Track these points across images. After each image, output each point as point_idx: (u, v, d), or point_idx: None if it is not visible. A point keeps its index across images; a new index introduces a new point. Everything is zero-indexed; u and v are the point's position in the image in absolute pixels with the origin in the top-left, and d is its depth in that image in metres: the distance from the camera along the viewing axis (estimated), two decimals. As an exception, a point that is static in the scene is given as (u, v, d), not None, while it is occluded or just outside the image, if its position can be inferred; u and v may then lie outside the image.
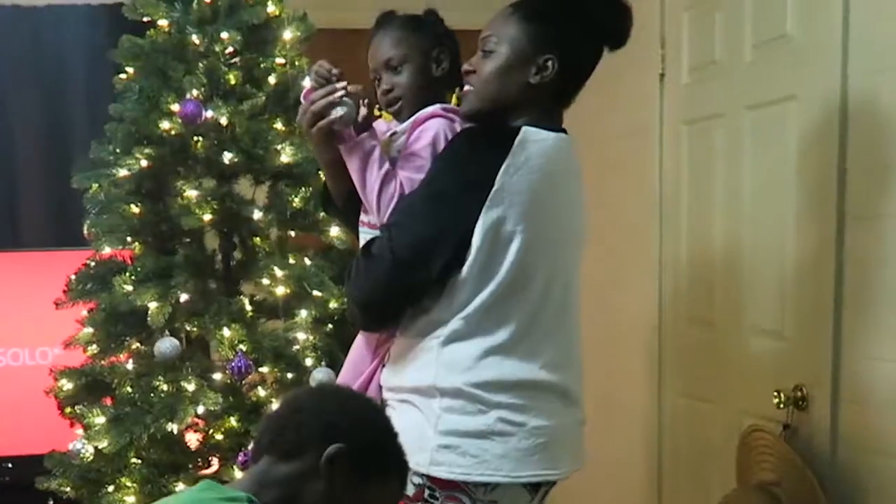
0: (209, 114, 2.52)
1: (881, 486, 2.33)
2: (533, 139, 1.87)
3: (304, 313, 2.54)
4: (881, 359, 2.35)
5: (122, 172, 2.66)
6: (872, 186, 2.40)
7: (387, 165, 1.98)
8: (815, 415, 2.52)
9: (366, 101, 2.03)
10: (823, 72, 2.51)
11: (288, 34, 2.69)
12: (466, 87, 1.99)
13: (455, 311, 1.90)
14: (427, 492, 1.90)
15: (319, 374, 2.48)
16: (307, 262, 2.57)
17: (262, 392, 2.53)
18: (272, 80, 2.67)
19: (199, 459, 2.56)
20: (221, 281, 2.64)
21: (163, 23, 2.64)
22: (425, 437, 1.90)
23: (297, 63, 2.68)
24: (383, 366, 2.10)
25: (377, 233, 2.00)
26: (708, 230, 3.10)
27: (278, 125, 2.62)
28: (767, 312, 2.80)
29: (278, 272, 2.52)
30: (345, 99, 1.95)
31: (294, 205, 2.58)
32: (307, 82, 2.14)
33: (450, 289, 1.90)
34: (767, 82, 2.77)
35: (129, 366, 2.62)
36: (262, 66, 2.69)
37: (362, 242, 2.09)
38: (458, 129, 2.03)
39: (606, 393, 3.36)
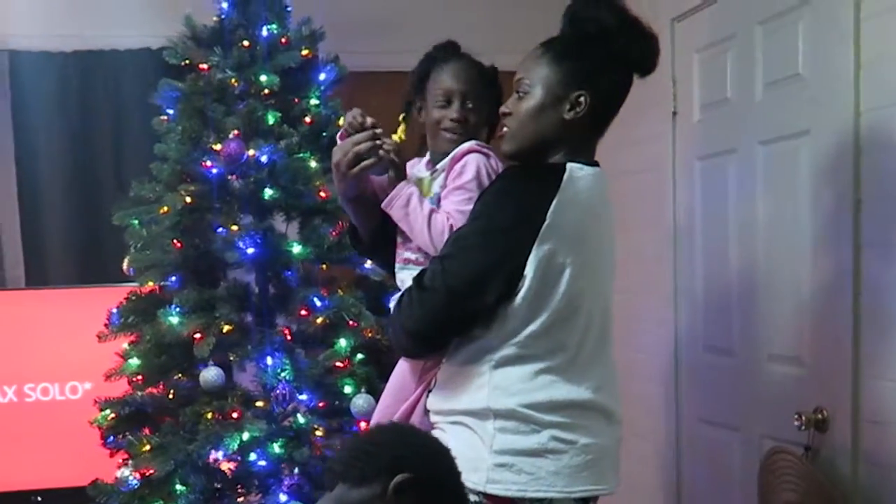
0: (250, 152, 2.62)
1: (904, 503, 2.42)
2: (578, 176, 1.97)
3: (342, 342, 2.63)
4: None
5: (163, 209, 2.76)
6: (888, 216, 2.51)
7: (428, 206, 2.09)
8: (836, 436, 2.61)
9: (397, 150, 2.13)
10: (836, 108, 2.63)
11: (322, 76, 2.80)
12: (504, 129, 2.08)
13: (506, 337, 1.99)
14: (485, 510, 1.98)
15: (360, 401, 2.56)
16: (340, 293, 2.66)
17: (301, 419, 2.60)
18: (307, 119, 2.77)
19: (239, 486, 2.62)
20: (258, 313, 2.72)
21: (203, 66, 2.75)
22: (480, 457, 1.98)
23: (330, 104, 2.79)
24: (429, 391, 2.18)
25: (417, 268, 2.11)
26: (723, 261, 3.21)
27: (312, 163, 2.73)
28: (785, 339, 2.90)
29: (317, 303, 2.61)
30: (384, 147, 2.07)
31: (330, 239, 2.67)
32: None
33: (501, 317, 1.98)
34: (780, 119, 2.89)
35: (170, 395, 2.69)
36: (297, 106, 2.79)
37: (401, 277, 2.19)
38: (494, 164, 2.14)
39: (626, 420, 3.43)
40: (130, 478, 2.56)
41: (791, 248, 2.87)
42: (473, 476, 1.94)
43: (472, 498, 1.95)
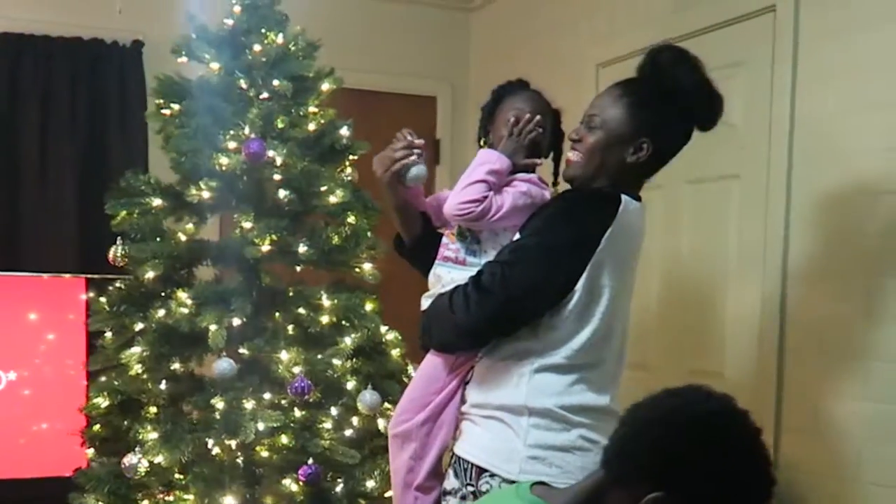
0: (270, 153, 2.73)
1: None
2: (630, 209, 2.20)
3: (347, 341, 2.77)
4: (822, 395, 2.90)
5: (157, 202, 2.81)
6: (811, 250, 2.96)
7: (482, 176, 2.25)
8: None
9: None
10: (768, 156, 3.07)
11: (325, 86, 2.95)
12: (570, 154, 2.29)
13: (553, 346, 2.19)
14: (515, 498, 2.20)
15: (368, 396, 2.71)
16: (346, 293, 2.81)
17: (311, 411, 2.71)
18: (311, 126, 2.91)
19: (245, 475, 2.69)
20: (268, 308, 2.81)
21: (214, 66, 2.82)
22: (514, 448, 2.19)
23: (327, 112, 2.95)
24: (465, 384, 2.38)
25: (458, 266, 2.32)
26: (646, 287, 3.57)
27: (320, 167, 2.86)
28: (708, 356, 3.30)
29: (326, 302, 2.74)
30: (420, 159, 2.28)
31: (333, 242, 2.81)
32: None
33: (548, 326, 2.19)
34: (708, 161, 3.28)
35: (163, 385, 2.73)
36: (301, 113, 2.91)
37: (445, 276, 2.38)
38: (547, 195, 2.33)
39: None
40: (139, 465, 2.56)
41: (713, 277, 3.28)
42: (507, 466, 2.17)
43: (505, 487, 2.16)
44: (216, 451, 2.62)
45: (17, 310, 3.59)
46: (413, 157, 2.31)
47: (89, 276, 3.57)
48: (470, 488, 2.25)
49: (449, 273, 2.35)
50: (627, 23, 3.80)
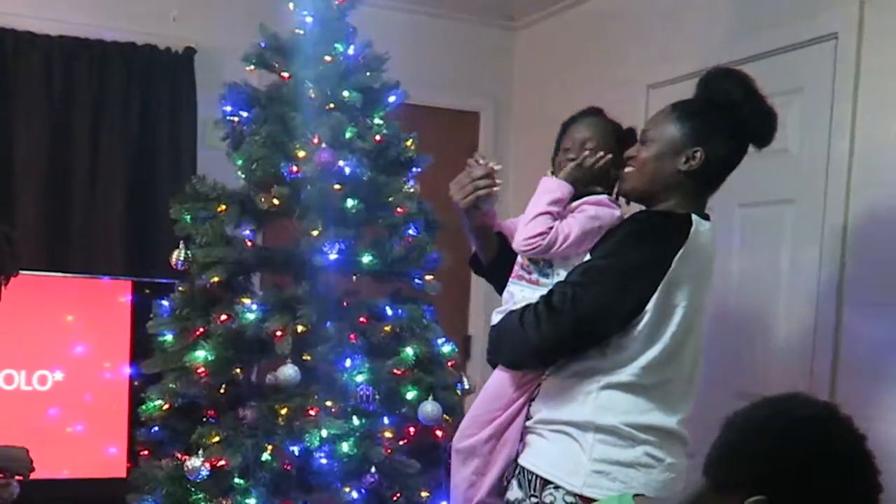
0: (340, 162, 2.75)
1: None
2: (701, 230, 2.22)
3: (409, 350, 2.78)
4: (872, 419, 2.91)
5: (221, 207, 2.83)
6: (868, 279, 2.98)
7: (544, 208, 2.29)
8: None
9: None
10: (825, 183, 3.09)
11: (392, 98, 2.98)
12: (627, 169, 2.34)
13: (621, 364, 2.22)
14: (578, 509, 2.21)
15: (429, 407, 2.73)
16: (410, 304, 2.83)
17: (373, 420, 2.72)
18: (377, 137, 2.93)
19: (305, 482, 2.70)
20: (333, 317, 2.82)
21: (285, 74, 2.85)
22: (580, 462, 2.21)
23: (392, 124, 2.98)
24: (531, 400, 2.39)
25: (531, 286, 2.34)
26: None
27: (386, 179, 2.89)
28: (756, 379, 3.31)
29: (388, 311, 2.76)
30: (497, 182, 2.32)
31: (397, 253, 2.83)
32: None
33: (616, 346, 2.22)
34: (762, 186, 3.30)
35: (221, 390, 2.74)
36: (362, 124, 2.94)
37: (518, 294, 2.40)
38: (618, 216, 2.35)
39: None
40: (202, 468, 2.57)
41: (765, 301, 3.29)
42: (571, 479, 2.20)
43: (569, 499, 2.20)
44: (277, 456, 2.61)
45: (63, 310, 3.60)
46: (497, 187, 2.34)
47: (136, 279, 3.59)
48: (534, 499, 2.28)
49: (522, 291, 2.38)
50: (681, 47, 3.82)
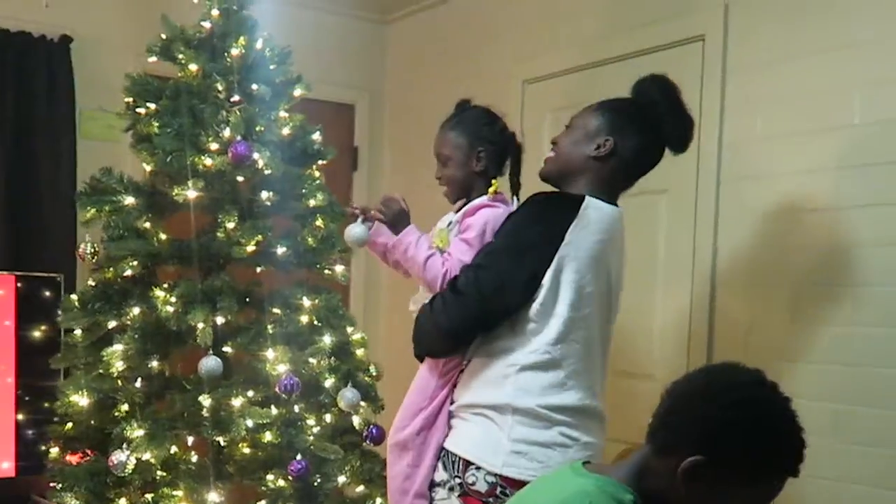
0: (255, 155, 2.78)
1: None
2: (594, 207, 2.37)
3: (326, 340, 2.84)
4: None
5: (129, 200, 2.81)
6: (741, 262, 3.27)
7: (425, 253, 2.48)
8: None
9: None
10: (696, 174, 3.36)
11: (297, 91, 3.02)
12: (549, 154, 2.50)
13: (526, 339, 2.36)
14: (499, 489, 2.33)
15: (349, 394, 2.80)
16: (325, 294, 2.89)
17: (296, 408, 2.77)
18: (286, 130, 2.97)
19: (229, 472, 2.72)
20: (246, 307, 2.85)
21: (192, 67, 2.85)
22: (499, 442, 2.34)
23: (296, 117, 3.03)
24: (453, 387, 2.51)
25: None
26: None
27: (298, 170, 2.94)
28: (638, 359, 3.55)
29: (306, 302, 2.82)
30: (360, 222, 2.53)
31: (309, 243, 2.89)
32: None
33: (522, 320, 2.36)
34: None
35: (138, 383, 2.73)
36: (273, 117, 2.97)
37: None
38: (503, 213, 2.51)
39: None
40: (128, 462, 2.55)
41: (644, 285, 3.52)
42: (491, 459, 2.34)
43: (489, 479, 2.33)
44: (200, 447, 2.63)
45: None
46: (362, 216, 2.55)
47: (18, 273, 3.48)
48: (457, 480, 2.40)
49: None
50: (556, 44, 4.01)
